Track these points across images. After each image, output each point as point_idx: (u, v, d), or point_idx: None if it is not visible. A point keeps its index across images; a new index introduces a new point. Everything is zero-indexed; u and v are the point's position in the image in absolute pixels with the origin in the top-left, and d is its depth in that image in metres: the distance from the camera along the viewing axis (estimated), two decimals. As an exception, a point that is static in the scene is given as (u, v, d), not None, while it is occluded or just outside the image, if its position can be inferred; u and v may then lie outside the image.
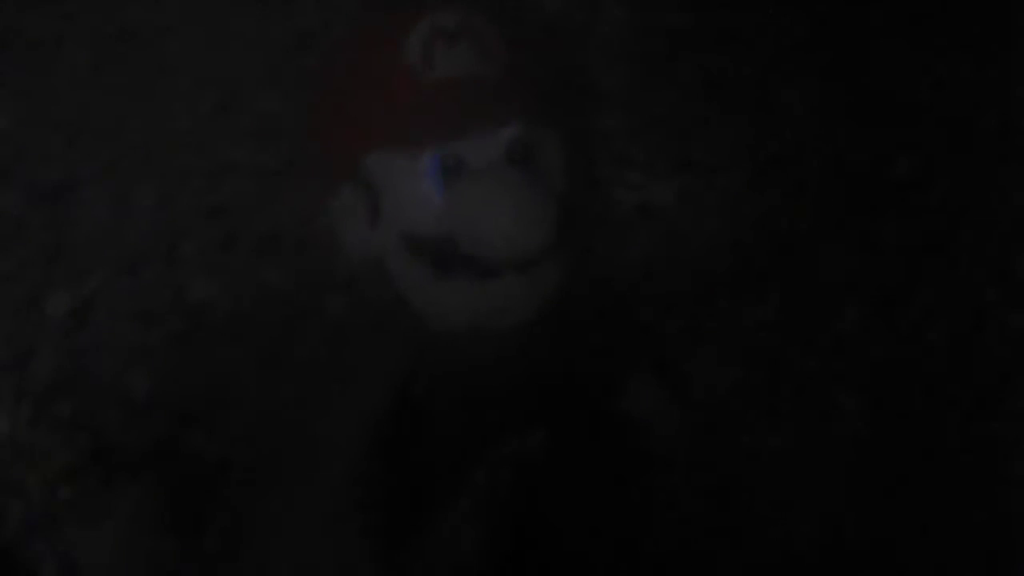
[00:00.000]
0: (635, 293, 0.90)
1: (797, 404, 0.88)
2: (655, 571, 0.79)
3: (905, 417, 0.88)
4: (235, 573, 0.78)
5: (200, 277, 0.89)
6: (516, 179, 0.76)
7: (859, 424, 0.87)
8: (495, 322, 0.78)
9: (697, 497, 0.82)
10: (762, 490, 0.83)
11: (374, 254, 0.80)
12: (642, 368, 0.86)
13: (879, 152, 0.99)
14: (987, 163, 1.00)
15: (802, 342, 0.90)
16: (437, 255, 0.77)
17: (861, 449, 0.86)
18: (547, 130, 0.80)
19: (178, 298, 0.88)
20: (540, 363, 0.81)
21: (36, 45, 0.99)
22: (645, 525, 0.79)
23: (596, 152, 0.97)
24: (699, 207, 0.96)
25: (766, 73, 1.02)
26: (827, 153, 0.99)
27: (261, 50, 1.00)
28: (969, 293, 0.94)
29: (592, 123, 0.99)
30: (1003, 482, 0.87)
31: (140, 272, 0.89)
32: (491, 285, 0.76)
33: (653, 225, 0.95)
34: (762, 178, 0.97)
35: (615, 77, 1.02)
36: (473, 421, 0.78)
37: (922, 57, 1.03)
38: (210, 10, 1.02)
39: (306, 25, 1.00)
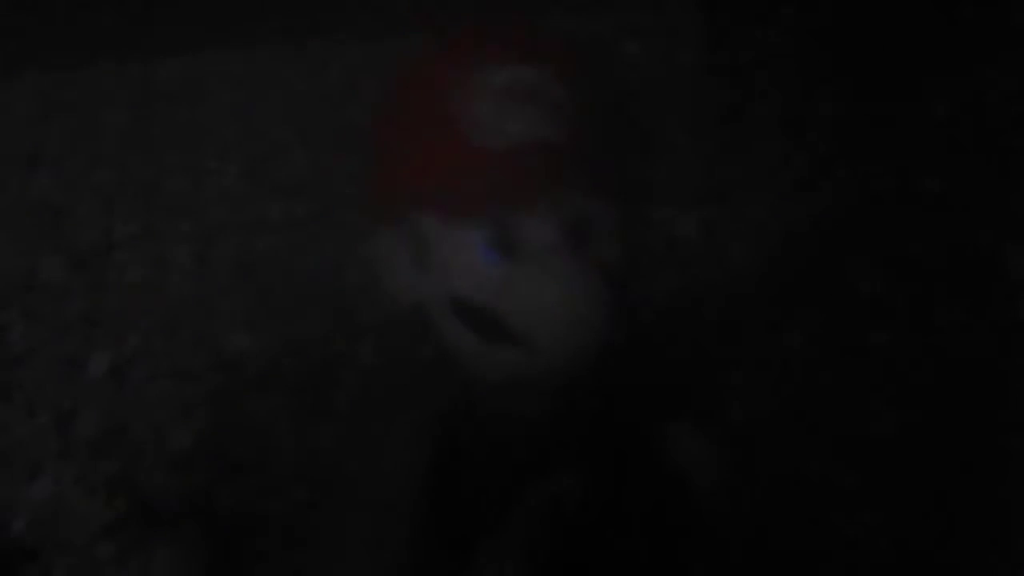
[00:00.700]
0: (665, 328, 0.90)
1: (834, 427, 0.87)
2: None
3: (943, 433, 0.87)
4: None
5: (236, 331, 0.90)
6: (573, 272, 0.71)
7: (899, 443, 0.86)
8: (537, 380, 0.75)
9: (738, 532, 0.81)
10: (806, 519, 0.82)
11: (417, 300, 0.77)
12: (677, 408, 0.85)
13: (904, 171, 0.98)
14: (1015, 179, 0.99)
15: (835, 364, 0.89)
16: (481, 323, 0.73)
17: (902, 468, 0.85)
18: (607, 206, 0.76)
19: (215, 353, 0.89)
20: (576, 407, 0.81)
21: (74, 111, 1.02)
22: (684, 567, 0.78)
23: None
24: (724, 237, 0.95)
25: (785, 99, 1.02)
26: (850, 175, 0.98)
27: (289, 108, 1.02)
28: (1003, 308, 0.93)
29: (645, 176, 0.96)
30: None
31: (178, 329, 0.90)
32: (535, 356, 0.72)
33: (679, 258, 0.94)
34: (785, 203, 0.96)
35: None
36: (510, 467, 0.77)
37: (942, 72, 1.02)
38: (240, 72, 1.05)
39: (334, 85, 1.02)
